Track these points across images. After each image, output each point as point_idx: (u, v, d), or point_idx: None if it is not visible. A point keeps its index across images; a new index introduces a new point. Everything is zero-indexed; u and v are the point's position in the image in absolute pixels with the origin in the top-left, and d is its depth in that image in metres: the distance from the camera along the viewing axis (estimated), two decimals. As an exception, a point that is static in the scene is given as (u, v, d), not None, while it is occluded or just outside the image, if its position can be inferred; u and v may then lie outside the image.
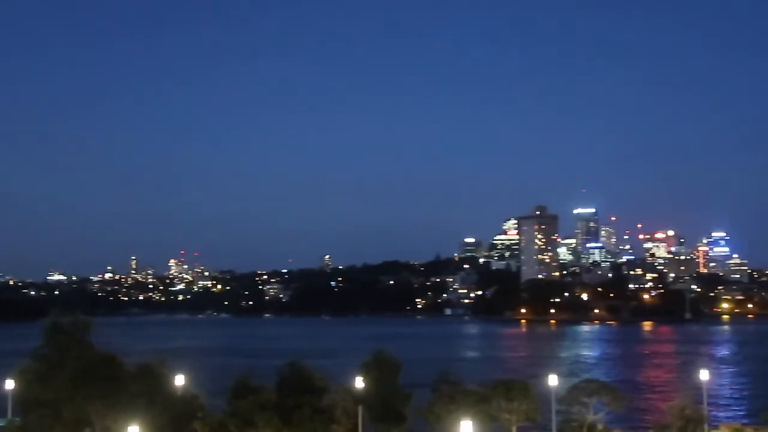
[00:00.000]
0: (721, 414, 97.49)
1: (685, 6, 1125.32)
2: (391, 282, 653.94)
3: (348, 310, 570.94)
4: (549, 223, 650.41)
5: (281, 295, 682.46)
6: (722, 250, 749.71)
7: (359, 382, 63.42)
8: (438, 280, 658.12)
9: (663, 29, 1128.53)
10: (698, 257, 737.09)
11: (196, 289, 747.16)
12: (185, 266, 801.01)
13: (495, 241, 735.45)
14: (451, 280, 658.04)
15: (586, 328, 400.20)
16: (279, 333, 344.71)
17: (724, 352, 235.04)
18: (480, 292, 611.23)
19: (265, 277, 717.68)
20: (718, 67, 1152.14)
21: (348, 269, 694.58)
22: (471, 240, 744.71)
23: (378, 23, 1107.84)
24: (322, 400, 60.93)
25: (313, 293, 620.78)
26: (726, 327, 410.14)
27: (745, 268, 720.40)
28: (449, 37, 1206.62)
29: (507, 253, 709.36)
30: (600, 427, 64.03)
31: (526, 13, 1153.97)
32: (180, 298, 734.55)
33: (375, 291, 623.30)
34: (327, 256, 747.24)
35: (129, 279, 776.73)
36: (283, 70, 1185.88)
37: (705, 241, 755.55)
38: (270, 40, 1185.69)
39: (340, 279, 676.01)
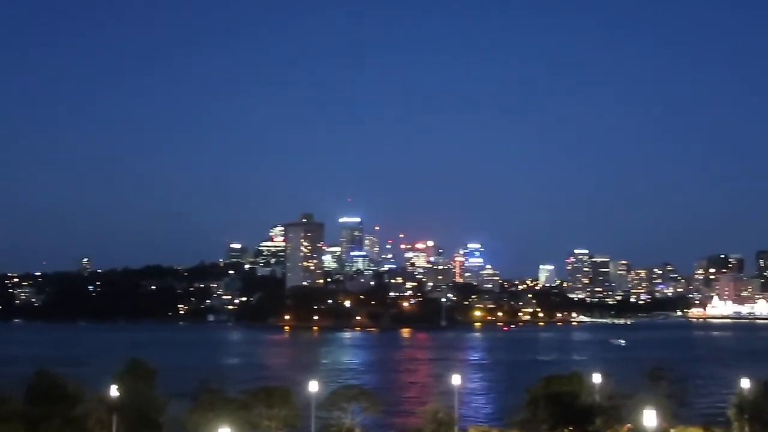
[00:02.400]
0: (471, 416, 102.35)
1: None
2: (153, 287, 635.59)
3: (106, 316, 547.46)
4: (315, 230, 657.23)
5: (33, 300, 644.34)
6: (477, 260, 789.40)
7: (114, 391, 61.13)
8: (202, 285, 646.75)
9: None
10: (455, 267, 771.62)
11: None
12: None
13: (261, 248, 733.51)
14: (216, 285, 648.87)
15: (347, 334, 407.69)
16: (29, 339, 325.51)
17: (475, 357, 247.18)
18: (244, 299, 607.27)
19: (16, 280, 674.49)
20: (478, 84, 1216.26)
21: (108, 273, 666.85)
22: (237, 246, 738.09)
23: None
24: (74, 409, 58.16)
25: (69, 298, 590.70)
26: (478, 334, 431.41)
27: (497, 278, 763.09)
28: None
29: (273, 260, 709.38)
30: (357, 431, 65.37)
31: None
32: None
33: (136, 296, 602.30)
34: (85, 259, 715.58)
35: None
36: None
37: (461, 252, 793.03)
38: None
39: (98, 283, 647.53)
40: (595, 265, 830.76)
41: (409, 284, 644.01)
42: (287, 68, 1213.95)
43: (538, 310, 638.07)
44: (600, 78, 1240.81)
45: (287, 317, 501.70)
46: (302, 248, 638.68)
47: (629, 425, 68.27)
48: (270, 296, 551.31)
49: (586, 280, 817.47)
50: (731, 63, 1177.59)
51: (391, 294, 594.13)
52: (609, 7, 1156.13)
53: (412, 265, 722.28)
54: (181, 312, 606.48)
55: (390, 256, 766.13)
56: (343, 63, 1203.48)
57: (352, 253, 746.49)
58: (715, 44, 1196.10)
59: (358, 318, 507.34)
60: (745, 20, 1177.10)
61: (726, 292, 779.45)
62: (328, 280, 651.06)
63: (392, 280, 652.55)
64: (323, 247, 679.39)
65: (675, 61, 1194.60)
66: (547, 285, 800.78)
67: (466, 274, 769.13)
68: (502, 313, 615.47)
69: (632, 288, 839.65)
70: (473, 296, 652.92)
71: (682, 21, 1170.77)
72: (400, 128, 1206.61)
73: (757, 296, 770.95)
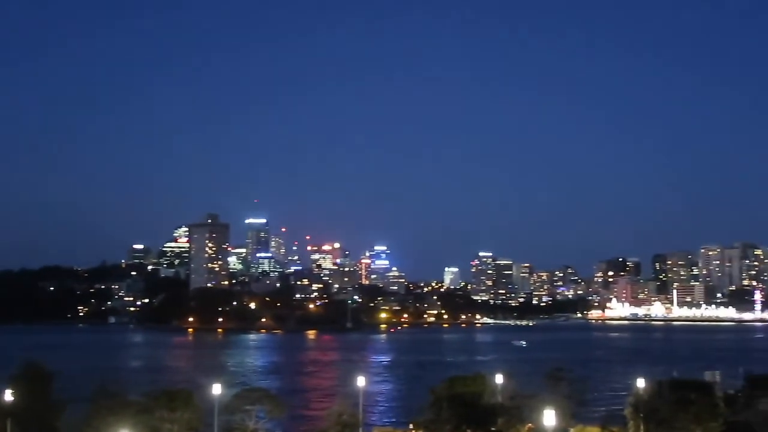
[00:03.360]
0: (376, 418, 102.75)
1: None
2: (52, 288, 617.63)
3: (2, 318, 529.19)
4: (220, 231, 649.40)
5: None
6: (383, 263, 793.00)
7: (8, 395, 59.25)
8: (103, 287, 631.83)
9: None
10: (361, 269, 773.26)
11: None
12: None
13: (165, 249, 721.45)
14: (117, 287, 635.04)
15: (252, 336, 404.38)
16: None
17: (380, 359, 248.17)
18: (147, 300, 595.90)
19: None
20: (387, 86, 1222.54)
21: (3, 274, 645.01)
22: (140, 246, 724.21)
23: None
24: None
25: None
26: (383, 336, 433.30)
27: (403, 280, 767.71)
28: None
29: (177, 261, 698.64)
30: (260, 434, 64.90)
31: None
32: None
33: (33, 298, 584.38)
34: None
35: None
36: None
37: (368, 254, 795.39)
38: None
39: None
40: (499, 268, 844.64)
41: (315, 286, 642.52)
42: (193, 64, 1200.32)
43: (443, 311, 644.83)
44: (517, 82, 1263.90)
45: (191, 319, 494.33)
46: (207, 249, 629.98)
47: (530, 425, 69.48)
48: (173, 298, 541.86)
49: (489, 283, 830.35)
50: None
51: (297, 296, 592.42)
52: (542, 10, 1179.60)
53: (319, 266, 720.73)
54: (81, 314, 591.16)
55: (296, 257, 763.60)
56: (250, 61, 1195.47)
57: (257, 255, 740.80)
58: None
59: (263, 320, 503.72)
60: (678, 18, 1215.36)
61: (624, 295, 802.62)
62: (233, 281, 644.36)
63: (298, 282, 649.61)
64: (228, 248, 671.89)
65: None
66: (452, 287, 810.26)
67: (372, 276, 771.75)
68: (408, 314, 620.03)
69: (534, 290, 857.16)
70: (379, 298, 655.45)
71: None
72: (306, 129, 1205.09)
73: (653, 298, 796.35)
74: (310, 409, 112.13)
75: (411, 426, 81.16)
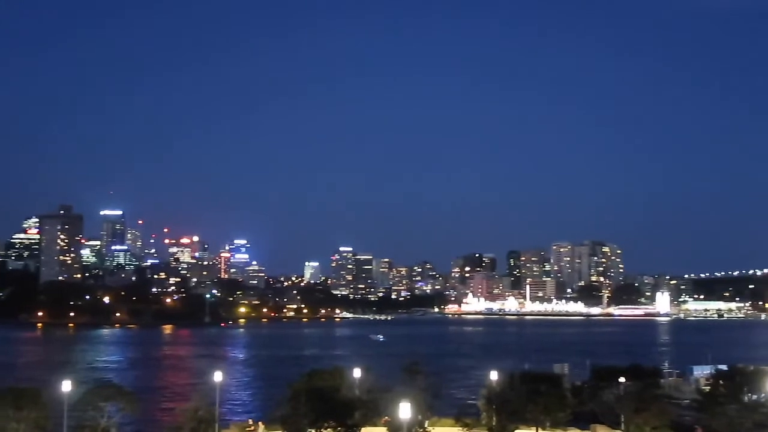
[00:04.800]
0: (233, 413, 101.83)
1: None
2: None
3: None
4: (73, 223, 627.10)
5: None
6: (243, 256, 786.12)
7: None
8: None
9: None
10: (220, 263, 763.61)
11: None
12: None
13: (13, 240, 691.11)
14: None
15: (106, 331, 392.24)
16: None
17: (239, 354, 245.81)
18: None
19: None
20: (248, 84, 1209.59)
21: None
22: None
23: None
24: None
25: None
26: (242, 330, 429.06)
27: (263, 274, 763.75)
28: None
29: (26, 253, 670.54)
30: (113, 431, 63.31)
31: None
32: None
33: None
34: None
35: None
36: None
37: (227, 247, 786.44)
38: None
39: None
40: (359, 263, 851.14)
41: (172, 280, 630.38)
42: (45, 52, 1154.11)
43: (303, 306, 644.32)
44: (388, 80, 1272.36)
45: (40, 314, 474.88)
46: (59, 241, 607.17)
47: (386, 418, 70.42)
48: (21, 291, 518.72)
49: (349, 277, 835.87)
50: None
51: (154, 290, 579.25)
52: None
53: (176, 260, 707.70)
54: None
55: (153, 250, 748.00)
56: (106, 53, 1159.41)
57: (113, 247, 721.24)
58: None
59: (117, 314, 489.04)
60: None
61: (479, 290, 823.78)
62: (87, 275, 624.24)
63: (155, 276, 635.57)
64: (82, 241, 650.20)
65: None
66: (312, 281, 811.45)
67: (232, 270, 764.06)
68: (267, 309, 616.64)
69: (393, 285, 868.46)
70: (238, 292, 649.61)
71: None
72: (164, 120, 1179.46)
73: (507, 293, 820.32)
74: (165, 406, 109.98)
75: (250, 421, 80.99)
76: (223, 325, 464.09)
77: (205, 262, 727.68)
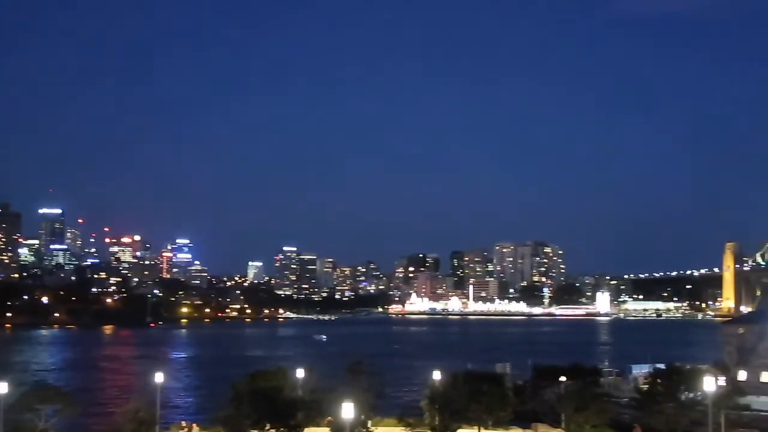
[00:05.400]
0: (175, 414, 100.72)
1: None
2: None
3: None
4: (11, 221, 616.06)
5: None
6: (185, 256, 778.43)
7: None
8: None
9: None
10: (162, 263, 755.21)
11: None
12: None
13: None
14: None
15: (45, 332, 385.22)
16: None
17: (181, 354, 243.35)
18: None
19: None
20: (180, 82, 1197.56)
21: None
22: None
23: None
24: None
25: None
26: (184, 331, 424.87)
27: (205, 274, 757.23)
28: None
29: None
30: (51, 434, 62.23)
31: None
32: None
33: None
34: None
35: None
36: None
37: (170, 247, 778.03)
38: None
39: None
40: (303, 263, 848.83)
41: (113, 280, 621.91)
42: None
43: (246, 306, 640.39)
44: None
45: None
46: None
47: (329, 418, 70.31)
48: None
49: (293, 277, 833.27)
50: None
51: (94, 290, 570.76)
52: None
53: (117, 259, 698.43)
54: None
55: (93, 250, 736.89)
56: (46, 52, 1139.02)
57: (51, 247, 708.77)
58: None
59: (56, 315, 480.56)
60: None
61: (423, 290, 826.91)
62: (25, 274, 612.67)
63: (95, 276, 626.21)
64: (20, 240, 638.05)
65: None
66: (256, 281, 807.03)
67: (174, 270, 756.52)
68: (210, 309, 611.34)
69: (337, 285, 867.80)
70: (180, 292, 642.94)
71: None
72: (104, 117, 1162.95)
73: (450, 293, 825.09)
74: (105, 407, 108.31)
75: (183, 423, 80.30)
76: (152, 325, 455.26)
77: (147, 262, 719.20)
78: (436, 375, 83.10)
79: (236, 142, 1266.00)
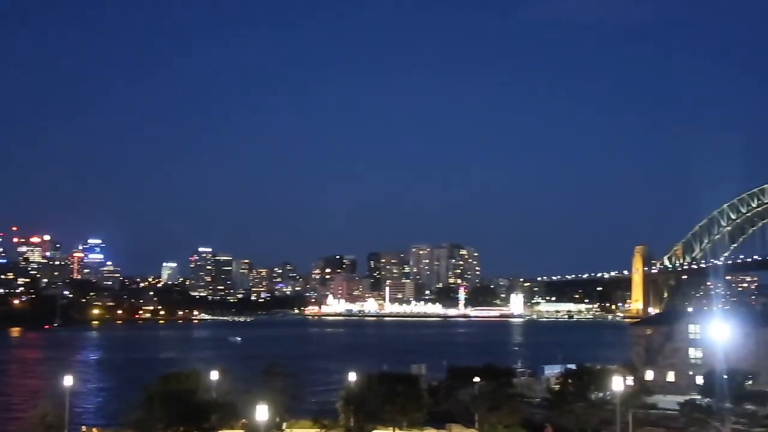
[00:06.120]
0: (84, 418, 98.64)
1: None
2: None
3: None
4: None
5: None
6: (97, 257, 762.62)
7: None
8: None
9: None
10: (73, 263, 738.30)
11: None
12: None
13: None
14: None
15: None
16: None
17: (91, 357, 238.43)
18: None
19: None
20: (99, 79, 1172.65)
21: None
22: None
23: None
24: None
25: None
26: (95, 333, 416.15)
27: (118, 275, 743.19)
28: None
29: None
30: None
31: None
32: None
33: None
34: None
35: None
36: None
37: (81, 247, 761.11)
38: None
39: None
40: (219, 264, 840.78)
41: (21, 280, 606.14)
42: None
43: (160, 307, 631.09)
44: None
45: None
46: None
47: (244, 420, 69.79)
48: None
49: (208, 278, 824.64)
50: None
51: (1, 291, 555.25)
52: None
53: (26, 260, 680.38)
54: None
55: (0, 250, 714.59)
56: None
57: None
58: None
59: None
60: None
61: (340, 291, 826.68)
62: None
63: (2, 276, 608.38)
64: None
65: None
66: (170, 282, 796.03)
67: (85, 271, 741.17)
68: (122, 310, 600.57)
69: (253, 286, 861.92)
70: (92, 293, 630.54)
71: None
72: (13, 114, 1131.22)
73: (367, 295, 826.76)
74: (11, 411, 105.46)
75: (83, 428, 78.96)
76: (50, 327, 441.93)
77: (57, 262, 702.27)
78: (352, 376, 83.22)
79: (141, 141, 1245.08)
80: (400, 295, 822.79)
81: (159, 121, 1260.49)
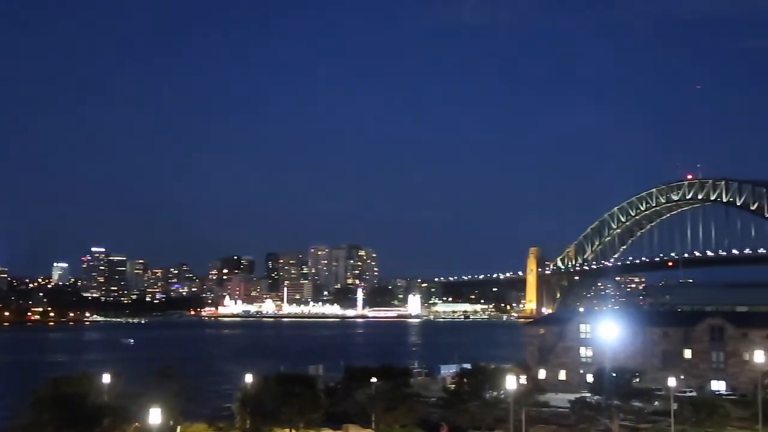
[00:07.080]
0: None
1: None
2: None
3: None
4: None
5: None
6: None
7: None
8: None
9: None
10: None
11: None
12: None
13: None
14: None
15: None
16: None
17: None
18: None
19: None
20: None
21: None
22: None
23: None
24: None
25: None
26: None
27: (5, 275, 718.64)
28: None
29: None
30: None
31: None
32: None
33: None
34: None
35: None
36: None
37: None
38: None
39: None
40: (112, 264, 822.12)
41: None
42: None
43: (50, 309, 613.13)
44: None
45: None
46: None
47: (137, 424, 68.41)
48: None
49: (102, 279, 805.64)
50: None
51: None
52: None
53: None
54: None
55: None
56: None
57: None
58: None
59: None
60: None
61: (237, 292, 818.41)
62: None
63: None
64: None
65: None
66: (61, 283, 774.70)
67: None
68: (9, 312, 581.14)
69: (148, 287, 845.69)
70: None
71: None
72: None
73: (265, 296, 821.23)
74: None
75: None
76: None
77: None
78: (248, 378, 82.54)
79: (31, 138, 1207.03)
80: (298, 296, 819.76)
81: (52, 113, 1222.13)
